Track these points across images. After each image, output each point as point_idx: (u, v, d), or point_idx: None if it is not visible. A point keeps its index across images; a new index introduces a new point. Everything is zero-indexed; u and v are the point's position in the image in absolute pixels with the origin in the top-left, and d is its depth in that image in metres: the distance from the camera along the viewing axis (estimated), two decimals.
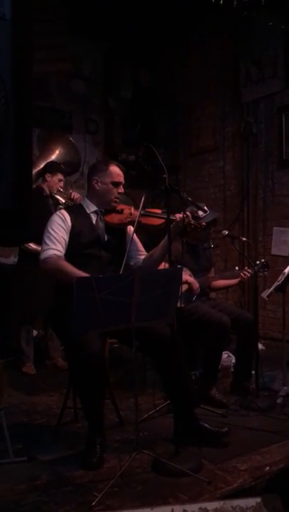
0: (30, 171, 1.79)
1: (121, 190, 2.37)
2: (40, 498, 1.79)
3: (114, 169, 2.37)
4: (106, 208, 2.39)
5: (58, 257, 2.20)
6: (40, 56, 4.14)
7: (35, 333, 4.00)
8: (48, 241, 2.24)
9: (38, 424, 2.55)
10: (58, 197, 3.54)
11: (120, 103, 5.41)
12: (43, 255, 2.22)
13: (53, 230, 2.25)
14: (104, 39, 5.08)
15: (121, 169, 2.40)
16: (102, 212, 2.39)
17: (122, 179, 2.37)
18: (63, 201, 3.53)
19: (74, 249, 2.25)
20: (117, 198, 2.37)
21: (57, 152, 3.96)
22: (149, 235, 2.60)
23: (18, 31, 1.63)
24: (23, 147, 1.62)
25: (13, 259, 3.86)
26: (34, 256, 3.40)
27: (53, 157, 3.90)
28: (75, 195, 3.56)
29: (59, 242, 2.23)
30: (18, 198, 1.58)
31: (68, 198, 3.51)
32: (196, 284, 2.84)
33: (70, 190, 3.61)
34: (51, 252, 2.20)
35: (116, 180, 2.35)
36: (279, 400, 2.74)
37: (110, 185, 2.35)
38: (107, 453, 2.11)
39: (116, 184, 2.35)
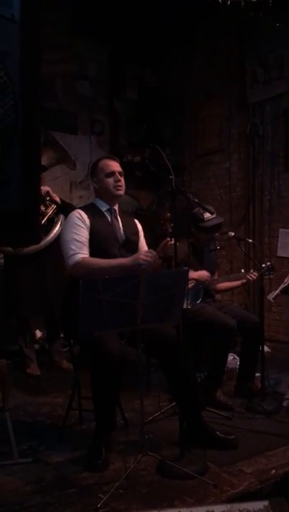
0: (38, 173, 1.80)
1: (117, 178, 2.33)
2: (45, 499, 1.78)
3: (103, 162, 2.37)
4: (114, 201, 2.39)
5: (85, 259, 2.17)
6: (45, 57, 4.15)
7: (39, 334, 3.98)
8: (72, 246, 2.19)
9: (43, 426, 2.55)
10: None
11: (125, 104, 5.41)
12: (71, 261, 2.17)
13: (74, 232, 2.22)
14: (109, 40, 5.08)
15: (112, 159, 2.38)
16: (115, 210, 2.39)
17: (113, 168, 2.34)
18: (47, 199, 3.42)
19: (94, 250, 2.22)
20: (118, 187, 2.34)
21: (45, 156, 3.89)
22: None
23: (27, 33, 1.63)
24: (31, 149, 1.62)
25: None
26: (18, 258, 3.34)
27: (44, 158, 3.82)
28: (43, 190, 3.35)
29: (83, 244, 2.20)
30: (26, 200, 1.58)
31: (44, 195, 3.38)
32: (203, 275, 2.81)
33: (42, 187, 3.44)
34: (78, 257, 2.16)
35: (107, 171, 2.34)
36: (285, 403, 2.72)
37: (105, 179, 2.34)
38: (112, 455, 2.11)
39: (109, 175, 2.33)
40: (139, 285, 1.86)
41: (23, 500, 1.78)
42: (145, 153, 4.99)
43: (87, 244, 2.21)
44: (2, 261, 3.67)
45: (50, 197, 3.39)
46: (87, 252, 2.20)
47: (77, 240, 2.20)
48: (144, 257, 2.10)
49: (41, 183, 3.44)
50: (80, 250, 2.18)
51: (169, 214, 2.52)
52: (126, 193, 4.70)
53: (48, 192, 3.39)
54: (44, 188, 3.40)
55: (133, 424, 2.43)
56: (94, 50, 5.23)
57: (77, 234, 2.21)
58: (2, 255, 3.61)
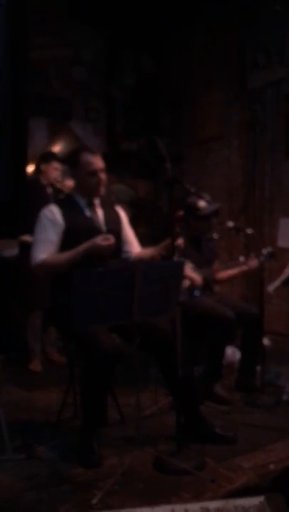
0: (25, 161, 1.75)
1: (100, 177, 2.21)
2: (39, 496, 1.77)
3: (85, 158, 2.20)
4: (94, 198, 2.29)
5: (44, 259, 2.14)
6: (40, 42, 4.05)
7: None
8: (37, 247, 2.17)
9: (37, 421, 2.53)
10: (59, 187, 3.42)
11: (122, 91, 5.32)
12: (33, 263, 2.16)
13: (42, 233, 2.17)
14: (106, 25, 4.96)
15: (94, 153, 2.23)
16: (95, 204, 2.29)
17: (95, 166, 2.19)
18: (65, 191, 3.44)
19: (72, 246, 2.14)
20: (99, 186, 2.23)
21: (62, 145, 3.86)
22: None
23: (13, 16, 1.56)
24: (19, 140, 1.56)
25: (12, 252, 3.80)
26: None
27: (58, 147, 3.80)
28: (70, 184, 3.33)
29: (46, 244, 2.15)
30: (13, 190, 1.53)
31: (67, 188, 3.38)
32: (198, 280, 2.77)
33: (66, 180, 3.43)
34: (39, 259, 2.14)
35: (89, 169, 2.20)
36: (285, 397, 2.69)
37: (86, 177, 2.21)
38: (107, 450, 2.08)
39: (91, 174, 2.20)
40: (135, 277, 1.81)
41: (17, 497, 1.76)
42: (142, 141, 4.91)
43: (54, 244, 2.17)
44: (7, 252, 3.65)
45: None
46: (49, 251, 2.16)
47: (44, 242, 2.16)
48: (101, 241, 2.09)
49: (57, 175, 3.42)
50: (42, 252, 2.14)
51: (182, 212, 2.46)
52: (122, 182, 4.66)
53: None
54: (70, 183, 3.34)
55: (129, 418, 2.39)
56: (90, 35, 5.11)
57: (45, 236, 2.16)
58: (8, 245, 3.59)
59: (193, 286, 2.76)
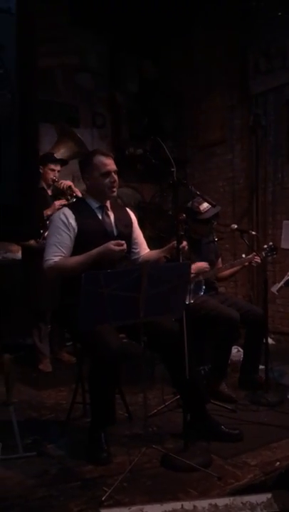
0: (36, 166, 1.78)
1: (113, 178, 2.25)
2: (49, 492, 1.80)
3: (99, 160, 2.24)
4: (106, 200, 2.33)
5: (56, 262, 2.17)
6: (45, 50, 4.11)
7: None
8: (50, 250, 2.19)
9: (47, 420, 2.56)
10: (57, 186, 3.44)
11: (126, 96, 5.36)
12: (45, 266, 2.19)
13: (56, 236, 2.20)
14: (108, 31, 5.01)
15: (107, 156, 2.27)
16: (107, 206, 2.34)
17: (109, 167, 2.23)
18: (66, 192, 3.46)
19: (85, 250, 2.17)
20: (113, 187, 2.27)
21: (65, 148, 3.90)
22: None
23: (23, 25, 1.61)
24: (28, 143, 1.60)
25: (16, 255, 3.86)
26: (37, 252, 3.39)
27: (62, 150, 3.85)
28: (64, 184, 3.39)
29: (59, 248, 2.18)
30: (23, 194, 1.56)
31: (63, 186, 3.41)
32: (201, 266, 2.78)
33: (61, 181, 3.45)
34: (51, 262, 2.17)
35: (103, 171, 2.23)
36: None
37: (100, 178, 2.24)
38: (116, 448, 2.11)
39: (105, 175, 2.23)
40: (141, 278, 1.85)
41: (28, 494, 1.79)
42: (147, 145, 4.95)
43: (68, 247, 2.20)
44: (19, 254, 3.67)
45: (72, 191, 3.38)
46: (63, 254, 2.18)
47: (57, 245, 2.19)
48: (114, 246, 2.11)
49: (58, 176, 3.45)
50: (55, 255, 2.17)
51: (184, 215, 2.50)
52: (128, 185, 4.67)
53: (70, 187, 3.39)
54: (66, 183, 3.40)
55: (137, 417, 2.43)
56: (93, 42, 5.16)
57: (58, 239, 2.19)
58: (20, 248, 3.61)
59: (199, 282, 2.79)
